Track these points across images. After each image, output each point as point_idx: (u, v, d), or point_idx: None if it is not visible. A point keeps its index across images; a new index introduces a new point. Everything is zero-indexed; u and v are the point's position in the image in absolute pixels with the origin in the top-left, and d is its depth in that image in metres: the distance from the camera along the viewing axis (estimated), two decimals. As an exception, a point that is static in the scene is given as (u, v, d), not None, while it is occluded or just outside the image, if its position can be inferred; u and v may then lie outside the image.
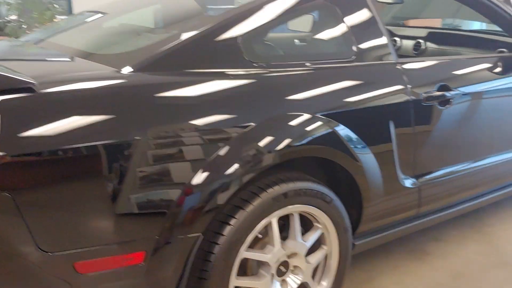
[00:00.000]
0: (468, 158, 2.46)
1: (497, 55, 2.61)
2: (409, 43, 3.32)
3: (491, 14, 2.69)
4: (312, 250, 1.93)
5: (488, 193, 2.69)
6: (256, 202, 1.69)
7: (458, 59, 2.49)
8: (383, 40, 2.12)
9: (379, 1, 2.32)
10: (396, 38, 3.41)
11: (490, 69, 2.50)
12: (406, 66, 2.16)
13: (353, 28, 2.05)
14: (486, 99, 2.45)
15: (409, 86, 2.11)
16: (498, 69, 2.54)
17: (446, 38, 3.25)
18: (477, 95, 2.39)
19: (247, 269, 1.81)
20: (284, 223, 1.87)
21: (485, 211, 3.01)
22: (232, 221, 1.66)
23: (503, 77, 2.51)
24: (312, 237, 1.91)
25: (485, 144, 2.53)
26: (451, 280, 2.34)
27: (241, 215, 1.67)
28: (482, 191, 2.65)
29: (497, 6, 2.58)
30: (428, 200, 2.31)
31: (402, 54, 3.26)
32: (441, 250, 2.61)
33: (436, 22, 3.76)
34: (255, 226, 1.70)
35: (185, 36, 1.73)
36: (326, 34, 2.16)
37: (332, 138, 1.85)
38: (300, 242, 1.86)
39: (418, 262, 2.49)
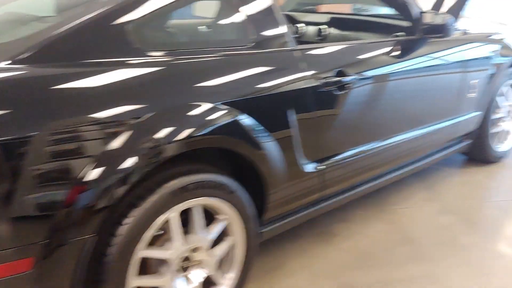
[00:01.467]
0: (369, 140, 2.53)
1: (393, 39, 2.69)
2: (313, 29, 3.36)
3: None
4: (218, 241, 1.91)
5: (390, 172, 2.80)
6: (153, 198, 1.63)
7: (357, 44, 2.54)
8: (281, 27, 2.11)
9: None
10: (301, 24, 3.43)
11: (387, 53, 2.58)
12: (305, 52, 2.17)
13: (250, 15, 2.03)
14: (384, 82, 2.52)
15: (308, 72, 2.12)
16: (394, 53, 2.63)
17: (348, 24, 3.32)
18: (376, 78, 2.46)
19: (149, 267, 1.76)
20: (187, 217, 1.82)
21: (389, 190, 3.13)
22: (127, 219, 1.59)
23: (399, 61, 2.60)
24: (216, 229, 1.88)
25: (385, 126, 2.61)
26: (358, 260, 2.41)
27: (136, 213, 1.60)
28: (385, 170, 2.75)
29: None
30: (331, 182, 2.36)
31: (307, 40, 3.28)
32: (348, 231, 2.68)
33: (346, 8, 3.83)
34: (152, 223, 1.64)
35: (68, 24, 1.63)
36: (224, 21, 2.13)
37: (232, 128, 1.82)
38: (203, 235, 1.83)
39: (326, 244, 2.54)
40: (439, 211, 2.91)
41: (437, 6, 3.30)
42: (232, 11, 2.04)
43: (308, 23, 3.46)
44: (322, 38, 3.31)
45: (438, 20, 2.69)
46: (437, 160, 3.15)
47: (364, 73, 2.38)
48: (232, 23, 2.07)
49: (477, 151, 3.47)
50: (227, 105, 1.82)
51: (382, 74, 2.50)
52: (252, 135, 1.88)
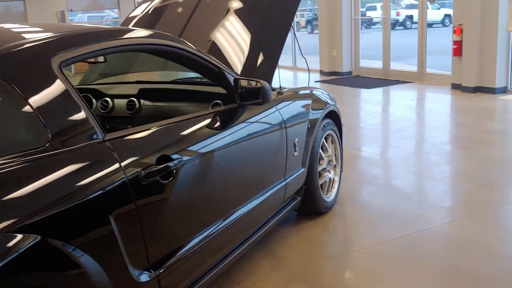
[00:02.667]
0: (209, 223, 2.28)
1: (212, 111, 2.51)
2: (122, 103, 3.04)
3: (198, 68, 2.60)
4: None
5: (234, 250, 2.57)
6: None
7: (175, 122, 2.26)
8: (82, 115, 1.76)
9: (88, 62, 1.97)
10: (107, 99, 3.09)
11: (209, 126, 2.38)
12: (115, 142, 1.84)
13: (41, 107, 1.64)
14: (212, 159, 2.30)
15: (123, 164, 1.79)
16: (216, 124, 2.44)
17: (162, 94, 3.07)
18: (202, 157, 2.23)
19: None
20: None
21: (230, 267, 2.88)
22: None
23: (222, 133, 2.41)
24: None
25: (221, 204, 2.39)
26: None
27: None
28: (229, 250, 2.51)
29: (203, 59, 2.49)
30: (172, 284, 2.03)
31: (117, 115, 2.95)
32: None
33: (153, 74, 3.56)
34: None
35: None
36: (6, 121, 1.69)
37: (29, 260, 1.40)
38: None
39: None
40: (286, 281, 2.74)
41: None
42: (18, 106, 1.63)
43: (116, 96, 3.13)
44: (134, 113, 3.01)
45: (253, 86, 2.58)
46: (276, 223, 3.02)
47: (188, 154, 2.13)
48: (20, 121, 1.66)
49: (308, 205, 3.45)
50: (18, 231, 1.39)
51: (208, 151, 2.27)
52: (50, 263, 1.48)
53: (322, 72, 11.33)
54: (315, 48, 11.61)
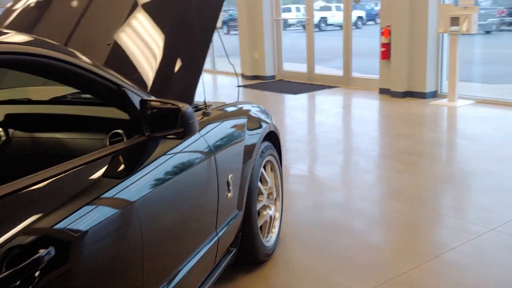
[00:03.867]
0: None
1: (110, 150, 1.68)
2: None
3: (87, 86, 1.76)
4: None
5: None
6: None
7: (48, 176, 1.41)
8: None
9: None
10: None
11: (106, 174, 1.56)
12: None
13: None
14: (109, 228, 1.48)
15: None
16: (115, 171, 1.62)
17: (38, 119, 2.18)
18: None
19: None
20: None
21: None
22: None
23: (124, 181, 1.60)
24: None
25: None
26: None
27: None
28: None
29: (94, 73, 1.66)
30: None
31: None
32: None
33: (27, 91, 2.60)
34: None
35: None
36: None
37: None
38: None
39: None
40: None
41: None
42: None
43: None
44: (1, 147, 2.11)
45: (169, 108, 1.79)
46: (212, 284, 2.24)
47: (64, 237, 1.30)
48: None
49: (246, 255, 2.70)
50: None
51: (101, 222, 1.45)
52: None
53: (244, 76, 10.63)
54: (233, 50, 10.90)
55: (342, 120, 6.70)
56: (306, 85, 9.39)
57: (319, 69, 9.86)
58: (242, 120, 2.68)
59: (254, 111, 2.92)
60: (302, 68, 9.94)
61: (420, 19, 7.28)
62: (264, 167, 2.91)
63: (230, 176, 2.35)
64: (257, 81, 10.17)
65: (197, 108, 2.48)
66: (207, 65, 12.05)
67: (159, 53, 2.38)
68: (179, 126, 1.75)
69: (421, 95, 7.46)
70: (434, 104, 7.06)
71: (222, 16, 27.80)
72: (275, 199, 3.06)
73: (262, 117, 2.97)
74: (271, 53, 10.30)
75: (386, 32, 7.67)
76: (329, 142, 5.46)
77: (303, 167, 4.65)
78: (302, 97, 8.28)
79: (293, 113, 7.19)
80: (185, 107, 1.75)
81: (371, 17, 26.85)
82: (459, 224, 3.29)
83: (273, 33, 10.27)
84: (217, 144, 2.28)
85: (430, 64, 7.37)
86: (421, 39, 7.32)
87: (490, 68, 11.17)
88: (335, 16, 24.12)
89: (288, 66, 10.54)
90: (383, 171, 4.45)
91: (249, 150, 2.62)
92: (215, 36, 2.55)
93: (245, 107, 2.88)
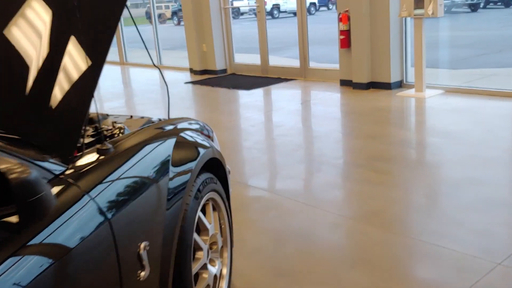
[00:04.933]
0: None
1: None
2: None
3: None
4: None
5: None
6: None
7: None
8: None
9: None
10: None
11: None
12: None
13: None
14: None
15: None
16: None
17: None
18: None
19: None
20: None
21: None
22: None
23: None
24: None
25: None
26: None
27: None
28: None
29: None
30: None
31: None
32: None
33: None
34: None
35: None
36: None
37: None
38: None
39: None
40: None
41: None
42: None
43: None
44: None
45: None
46: None
47: None
48: None
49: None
50: None
51: None
52: None
53: (192, 71, 9.76)
54: (183, 42, 10.01)
55: (302, 119, 5.97)
56: (261, 78, 8.62)
57: (274, 60, 9.10)
58: (165, 152, 1.88)
59: (188, 133, 2.13)
60: (255, 59, 9.16)
61: (381, 2, 6.60)
62: (204, 209, 2.14)
63: (142, 246, 1.55)
64: (207, 76, 9.33)
65: (95, 139, 1.69)
66: (147, 59, 11.13)
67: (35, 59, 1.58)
68: (13, 207, 0.95)
69: (386, 86, 6.82)
70: (400, 96, 6.42)
71: (172, 6, 26.60)
72: (221, 249, 2.30)
73: (199, 140, 2.19)
74: (221, 45, 9.46)
75: (344, 18, 6.97)
76: (288, 148, 4.72)
77: (259, 183, 3.89)
78: (257, 93, 7.51)
79: (246, 113, 6.41)
80: (22, 173, 0.94)
81: (324, 2, 26.34)
82: (457, 257, 2.61)
83: (222, 23, 9.43)
84: (115, 203, 1.48)
85: (394, 51, 6.72)
86: (383, 24, 6.65)
87: (453, 52, 10.69)
88: (288, 3, 23.47)
89: (240, 58, 9.73)
90: (354, 185, 3.74)
91: (176, 195, 1.83)
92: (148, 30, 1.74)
93: (174, 128, 2.09)
